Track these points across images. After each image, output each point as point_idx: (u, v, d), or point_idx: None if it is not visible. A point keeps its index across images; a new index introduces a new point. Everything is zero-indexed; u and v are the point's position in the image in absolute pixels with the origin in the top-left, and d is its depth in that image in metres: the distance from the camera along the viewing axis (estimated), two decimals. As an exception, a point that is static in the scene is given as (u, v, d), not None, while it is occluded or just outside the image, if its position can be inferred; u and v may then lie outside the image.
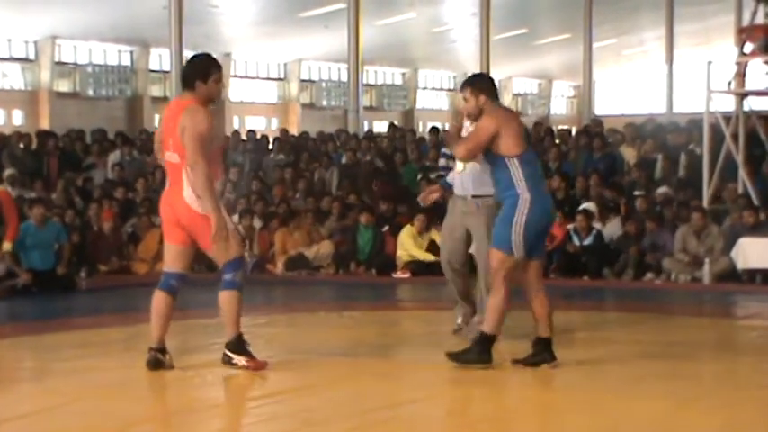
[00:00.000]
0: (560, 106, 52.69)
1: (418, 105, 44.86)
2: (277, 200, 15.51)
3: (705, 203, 13.06)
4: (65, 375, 6.96)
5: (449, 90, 47.11)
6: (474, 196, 8.10)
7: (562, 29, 39.47)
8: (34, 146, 17.57)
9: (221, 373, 7.01)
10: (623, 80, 51.41)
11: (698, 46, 41.66)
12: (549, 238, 7.64)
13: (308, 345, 7.57)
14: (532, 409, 6.14)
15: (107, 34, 33.11)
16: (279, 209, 14.95)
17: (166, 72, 29.33)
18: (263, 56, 39.12)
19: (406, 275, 13.50)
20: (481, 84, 6.98)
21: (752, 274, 12.18)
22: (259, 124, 36.98)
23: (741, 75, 13.16)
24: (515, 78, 48.42)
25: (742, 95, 13.31)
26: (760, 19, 13.25)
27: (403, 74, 44.60)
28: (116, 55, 35.01)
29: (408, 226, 13.77)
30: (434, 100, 46.59)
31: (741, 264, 12.23)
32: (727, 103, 13.83)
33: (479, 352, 6.71)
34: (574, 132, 19.82)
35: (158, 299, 6.98)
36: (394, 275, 13.56)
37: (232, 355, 6.90)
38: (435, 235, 13.68)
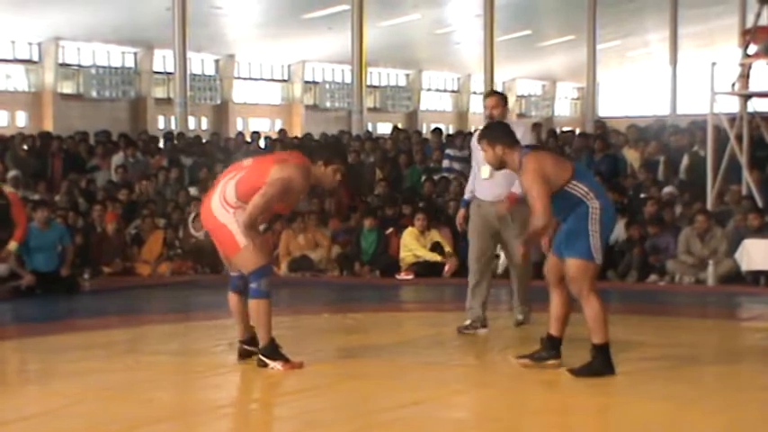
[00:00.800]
0: (564, 108, 52.70)
1: (422, 107, 44.88)
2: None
3: (709, 205, 13.05)
4: (68, 377, 6.96)
5: (453, 91, 47.11)
6: (497, 200, 8.44)
7: (566, 30, 39.47)
8: (38, 147, 17.59)
9: (225, 375, 7.01)
10: (627, 82, 51.40)
11: (702, 47, 41.65)
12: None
13: (311, 346, 7.57)
14: (536, 410, 6.13)
15: (110, 36, 33.16)
16: (282, 211, 14.95)
17: (170, 73, 29.37)
18: (266, 57, 39.15)
19: (410, 277, 13.50)
20: (494, 134, 6.93)
21: (756, 276, 12.17)
22: (263, 126, 37.00)
23: (745, 76, 13.16)
24: (519, 80, 48.44)
25: (746, 97, 13.30)
26: (764, 21, 13.25)
27: (407, 75, 44.62)
28: (119, 56, 35.05)
29: (410, 227, 13.78)
30: (438, 101, 46.60)
31: (745, 265, 12.23)
32: (731, 105, 13.82)
33: (602, 363, 6.67)
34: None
35: (230, 300, 7.27)
36: (398, 277, 13.56)
37: (267, 360, 6.99)
38: (436, 235, 13.69)
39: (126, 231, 14.65)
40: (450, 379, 6.84)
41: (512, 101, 48.15)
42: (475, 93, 45.07)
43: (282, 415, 6.04)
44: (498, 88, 40.56)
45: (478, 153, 8.43)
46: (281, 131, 22.40)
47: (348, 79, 31.76)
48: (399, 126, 26.26)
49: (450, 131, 30.56)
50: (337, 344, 7.48)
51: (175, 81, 23.59)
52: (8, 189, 11.46)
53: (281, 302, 7.32)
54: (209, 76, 37.49)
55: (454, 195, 14.91)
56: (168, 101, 31.83)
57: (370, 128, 29.96)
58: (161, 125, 33.82)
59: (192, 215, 14.77)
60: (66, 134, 19.46)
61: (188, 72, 24.23)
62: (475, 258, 8.68)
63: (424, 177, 16.14)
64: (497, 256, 13.39)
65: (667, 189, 14.39)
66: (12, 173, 15.94)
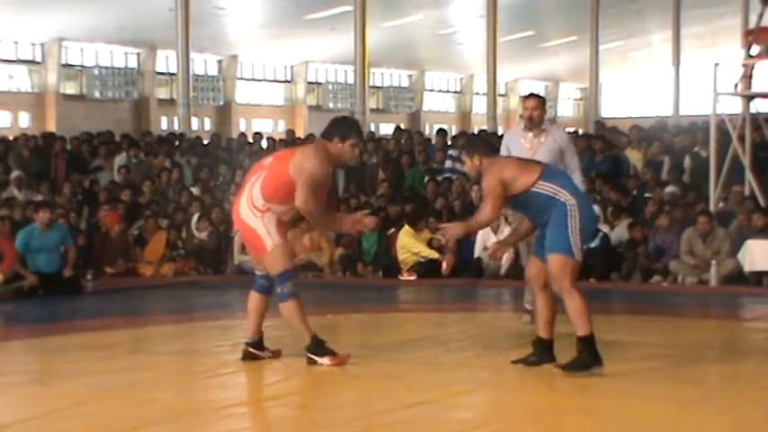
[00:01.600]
0: (567, 108, 52.68)
1: (425, 107, 44.87)
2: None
3: (712, 206, 13.04)
4: (71, 378, 6.96)
5: (455, 92, 47.11)
6: None
7: (569, 31, 39.46)
8: (41, 148, 17.61)
9: (228, 375, 7.02)
10: (630, 82, 51.38)
11: (705, 48, 41.63)
12: None
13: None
14: (538, 410, 6.14)
15: (113, 36, 33.16)
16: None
17: (173, 74, 29.40)
18: (269, 58, 39.16)
19: (413, 278, 13.50)
20: (473, 145, 7.14)
21: (759, 277, 12.17)
22: (266, 126, 37.00)
23: (748, 77, 13.15)
24: (522, 80, 48.42)
25: (749, 98, 13.29)
26: (767, 21, 13.23)
27: (409, 76, 44.61)
28: (122, 57, 35.06)
29: (405, 227, 13.77)
30: (441, 102, 46.59)
31: (748, 266, 12.22)
32: (733, 106, 13.81)
33: (590, 354, 6.70)
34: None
35: (250, 298, 7.35)
36: (400, 278, 13.57)
37: (314, 357, 7.04)
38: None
39: (129, 232, 14.66)
40: (453, 379, 6.84)
41: (514, 101, 48.29)
42: (477, 93, 45.05)
43: (285, 415, 6.04)
44: (501, 89, 40.62)
45: (516, 152, 8.72)
46: (289, 132, 22.42)
47: (351, 80, 31.75)
48: (402, 127, 26.23)
49: (453, 132, 30.60)
50: (340, 344, 7.47)
51: (178, 82, 23.61)
52: None
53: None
54: (212, 76, 37.50)
55: (457, 195, 14.93)
56: (171, 101, 31.83)
57: (372, 128, 29.97)
58: (164, 126, 33.82)
59: (196, 216, 14.79)
60: (70, 135, 19.47)
61: (191, 73, 24.25)
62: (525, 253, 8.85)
63: (427, 178, 16.14)
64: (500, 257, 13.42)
65: (669, 189, 14.39)
66: (15, 173, 15.96)
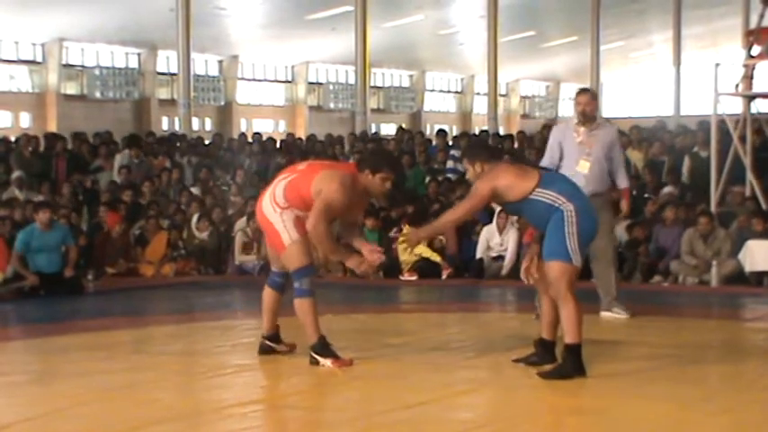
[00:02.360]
0: (568, 109, 52.65)
1: (425, 107, 44.87)
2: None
3: (712, 206, 13.03)
4: (72, 378, 6.96)
5: (456, 92, 47.12)
6: (597, 194, 8.82)
7: (569, 31, 39.48)
8: (42, 148, 17.61)
9: (229, 375, 7.02)
10: (631, 82, 51.39)
11: (705, 48, 41.65)
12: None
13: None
14: (539, 411, 6.14)
15: (114, 36, 33.17)
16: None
17: (174, 74, 29.42)
18: (270, 58, 39.16)
19: (414, 278, 13.50)
20: (474, 152, 7.12)
21: (759, 277, 12.16)
22: (266, 127, 37.01)
23: (748, 77, 13.15)
24: (523, 81, 48.43)
25: (749, 98, 13.29)
26: (767, 21, 13.23)
27: (410, 76, 44.62)
28: (123, 57, 35.07)
29: (407, 227, 13.74)
30: (442, 102, 46.60)
31: (749, 266, 12.22)
32: (734, 106, 13.81)
33: (573, 363, 6.68)
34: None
35: (264, 293, 7.43)
36: (401, 278, 13.57)
37: (317, 357, 7.05)
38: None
39: (130, 232, 14.66)
40: (454, 380, 6.84)
41: (515, 102, 48.27)
42: (478, 94, 45.05)
43: (287, 416, 6.04)
44: (502, 89, 40.63)
45: (570, 146, 8.97)
46: (289, 135, 22.42)
47: (352, 80, 31.79)
48: (403, 127, 26.22)
49: (454, 132, 30.61)
50: (341, 345, 7.47)
51: (179, 82, 23.61)
52: None
53: (286, 303, 7.32)
54: (213, 76, 37.51)
55: (460, 195, 14.91)
56: (172, 102, 31.83)
57: (373, 129, 29.98)
58: (165, 126, 33.83)
59: (197, 216, 14.79)
60: (72, 135, 19.46)
61: (192, 73, 24.26)
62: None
63: (428, 178, 16.14)
64: (501, 258, 13.44)
65: (667, 189, 14.40)
66: (16, 174, 15.97)
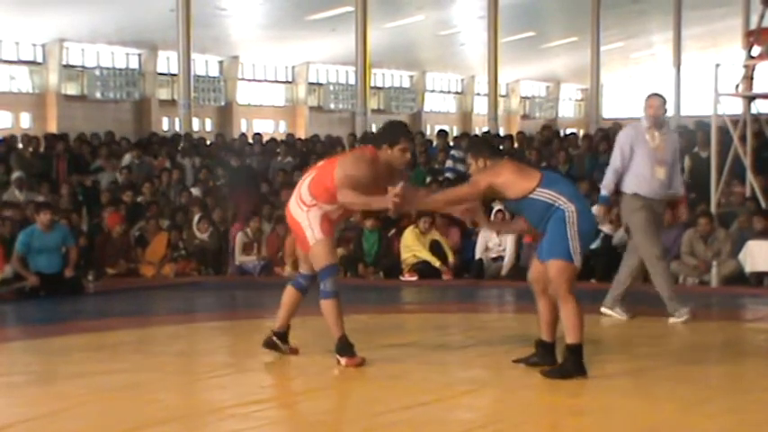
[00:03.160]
0: (568, 109, 52.66)
1: (426, 108, 44.85)
2: (285, 203, 15.52)
3: (713, 207, 13.03)
4: (73, 378, 6.97)
5: (457, 93, 47.11)
6: (666, 199, 9.20)
7: (570, 32, 39.46)
8: (42, 149, 17.61)
9: (230, 375, 7.02)
10: (631, 83, 51.37)
11: (706, 49, 41.62)
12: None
13: (316, 348, 7.57)
14: (539, 411, 6.14)
15: (114, 37, 33.16)
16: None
17: (174, 75, 29.40)
18: (270, 59, 39.15)
19: (414, 278, 13.50)
20: (478, 147, 7.19)
21: (760, 278, 12.16)
22: (267, 127, 36.99)
23: (749, 78, 13.14)
24: (523, 81, 48.40)
25: (750, 98, 13.29)
26: (767, 22, 13.22)
27: (411, 77, 44.60)
28: (124, 58, 35.04)
29: (411, 227, 13.76)
30: (442, 103, 46.58)
31: (749, 267, 12.21)
32: (734, 106, 13.80)
33: (574, 363, 6.69)
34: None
35: (286, 291, 7.49)
36: (401, 278, 13.57)
37: (338, 356, 7.12)
38: (436, 234, 13.66)
39: (130, 233, 14.67)
40: (455, 380, 6.85)
41: (516, 102, 48.27)
42: (478, 94, 45.04)
43: (287, 416, 6.05)
44: (502, 90, 40.62)
45: (643, 150, 9.03)
46: (289, 136, 22.42)
47: (352, 81, 31.78)
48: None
49: (455, 133, 30.58)
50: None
51: (179, 82, 23.60)
52: None
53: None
54: (214, 77, 37.49)
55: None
56: (172, 102, 31.81)
57: (374, 129, 29.95)
58: (165, 126, 33.82)
59: (197, 216, 14.79)
60: (71, 135, 19.47)
61: (192, 73, 24.26)
62: (661, 251, 9.26)
63: (429, 179, 16.14)
64: (500, 258, 13.44)
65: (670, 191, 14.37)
66: (16, 174, 15.97)
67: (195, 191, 16.33)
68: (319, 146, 19.39)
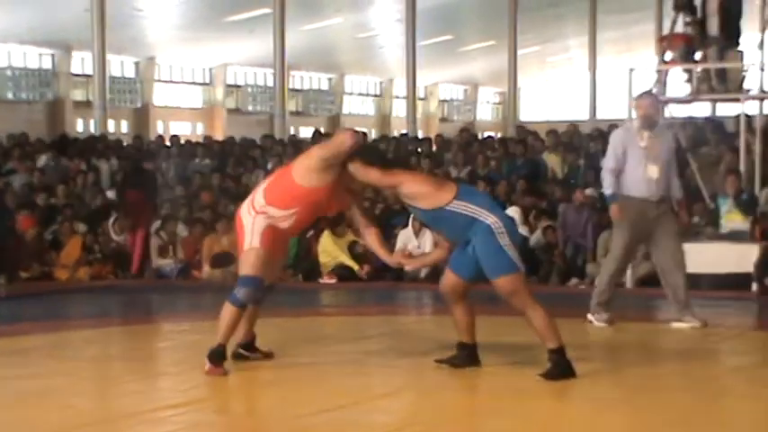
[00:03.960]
0: (486, 112, 53.08)
1: (344, 110, 44.87)
2: (203, 206, 15.41)
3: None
4: (-16, 384, 6.82)
5: (375, 96, 47.21)
6: (664, 199, 9.02)
7: (487, 35, 39.77)
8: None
9: (144, 380, 6.94)
10: (548, 87, 51.95)
11: (620, 53, 42.26)
12: None
13: (230, 351, 7.50)
14: (459, 413, 6.16)
15: (27, 36, 32.59)
16: (204, 215, 14.86)
17: (89, 76, 28.96)
18: (187, 60, 38.85)
19: (333, 281, 13.48)
20: (369, 155, 7.00)
21: (673, 279, 12.33)
22: (184, 129, 36.68)
23: (662, 82, 13.35)
24: (441, 84, 48.68)
25: (663, 103, 13.49)
26: (680, 28, 13.44)
27: (329, 79, 44.60)
28: (37, 58, 34.49)
29: (326, 232, 13.72)
30: (361, 105, 46.64)
31: (662, 268, 12.39)
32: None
33: (564, 365, 6.68)
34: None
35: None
36: (320, 281, 13.54)
37: (206, 358, 6.93)
38: (352, 236, 13.65)
39: (44, 236, 14.43)
40: (374, 383, 6.85)
41: (434, 105, 48.51)
42: (397, 97, 45.18)
43: (203, 421, 5.98)
44: (421, 93, 40.78)
45: (634, 151, 8.87)
46: (207, 138, 22.24)
47: (270, 83, 31.61)
48: (321, 130, 26.17)
49: (374, 135, 30.65)
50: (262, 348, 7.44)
51: (94, 83, 23.31)
52: None
53: (203, 307, 7.26)
54: (130, 78, 37.09)
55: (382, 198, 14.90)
56: (87, 103, 31.36)
57: (292, 132, 29.86)
58: (80, 128, 33.35)
59: (112, 219, 14.60)
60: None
61: (107, 74, 23.96)
62: (625, 253, 9.15)
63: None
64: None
65: (588, 191, 14.56)
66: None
67: (111, 194, 16.11)
68: (237, 148, 19.25)
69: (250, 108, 40.59)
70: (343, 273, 13.49)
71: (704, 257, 11.62)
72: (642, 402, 6.22)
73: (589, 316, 9.31)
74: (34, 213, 14.57)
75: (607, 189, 9.13)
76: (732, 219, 12.57)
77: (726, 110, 15.75)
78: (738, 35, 12.85)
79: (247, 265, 6.97)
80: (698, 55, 12.97)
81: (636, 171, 8.94)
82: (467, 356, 7.03)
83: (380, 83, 46.91)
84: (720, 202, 12.71)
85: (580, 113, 36.85)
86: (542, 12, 36.27)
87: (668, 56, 13.30)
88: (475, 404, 6.32)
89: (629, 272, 12.57)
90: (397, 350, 8.02)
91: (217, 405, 6.39)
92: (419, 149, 18.42)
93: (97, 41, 22.28)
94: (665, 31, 14.67)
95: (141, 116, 37.22)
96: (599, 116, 33.73)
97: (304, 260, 13.94)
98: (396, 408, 6.30)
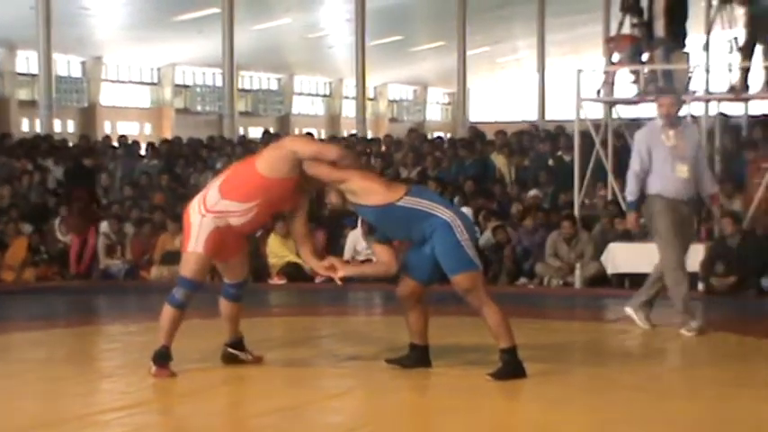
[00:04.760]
0: (435, 113, 53.23)
1: (294, 111, 44.79)
2: (151, 206, 15.30)
3: (576, 210, 13.30)
4: (-73, 387, 6.72)
5: (325, 96, 47.16)
6: (692, 199, 8.83)
7: (437, 36, 39.88)
8: None
9: (92, 382, 6.88)
10: (497, 87, 52.20)
11: (568, 55, 42.56)
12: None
13: (180, 352, 7.44)
14: (409, 412, 6.17)
15: (-29, 35, 32.23)
16: (153, 215, 14.75)
17: (34, 75, 28.66)
18: (135, 60, 38.58)
19: (283, 281, 13.46)
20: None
21: (621, 279, 12.45)
22: (131, 129, 36.41)
23: (609, 83, 13.44)
24: (391, 85, 48.75)
25: (611, 104, 13.60)
26: (627, 29, 13.54)
27: (278, 79, 44.49)
28: (-19, 57, 34.11)
29: (273, 234, 13.68)
30: (310, 105, 46.59)
31: (611, 269, 12.51)
32: (596, 111, 14.11)
33: (515, 365, 6.68)
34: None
35: (221, 305, 7.32)
36: (270, 281, 13.50)
37: (151, 361, 6.87)
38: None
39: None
40: (325, 384, 6.84)
41: (384, 105, 48.55)
42: (347, 97, 45.18)
43: (151, 422, 5.94)
44: (370, 93, 40.80)
45: (661, 150, 8.61)
46: (150, 144, 22.03)
47: (219, 83, 31.47)
48: (271, 130, 26.11)
49: (323, 135, 30.61)
50: (209, 349, 7.39)
51: (40, 83, 23.06)
52: None
53: (151, 308, 7.20)
54: (76, 78, 36.74)
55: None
56: (32, 103, 31.04)
57: (241, 132, 29.74)
58: (25, 128, 32.98)
59: (59, 219, 14.46)
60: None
61: (53, 74, 23.71)
62: (680, 259, 8.73)
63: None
64: (369, 261, 13.46)
65: (532, 192, 14.67)
66: None
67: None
68: (185, 148, 19.12)
69: (199, 108, 40.40)
70: (291, 271, 13.46)
71: (647, 257, 11.77)
72: (588, 401, 6.27)
73: (683, 330, 8.79)
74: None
75: (629, 196, 8.89)
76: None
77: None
78: (684, 37, 12.95)
79: (189, 268, 6.90)
80: (645, 56, 13.06)
81: (665, 170, 8.66)
82: (418, 357, 7.04)
83: (330, 83, 46.89)
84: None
85: (529, 114, 37.06)
86: (492, 13, 36.44)
87: (615, 57, 13.38)
88: (426, 403, 6.33)
89: (577, 272, 12.69)
90: (347, 350, 8.00)
91: (164, 407, 6.34)
92: (369, 150, 18.42)
93: (43, 40, 22.04)
94: (613, 32, 14.76)
95: (88, 116, 36.89)
96: (548, 117, 33.95)
97: (253, 260, 13.87)
98: (348, 407, 6.29)
